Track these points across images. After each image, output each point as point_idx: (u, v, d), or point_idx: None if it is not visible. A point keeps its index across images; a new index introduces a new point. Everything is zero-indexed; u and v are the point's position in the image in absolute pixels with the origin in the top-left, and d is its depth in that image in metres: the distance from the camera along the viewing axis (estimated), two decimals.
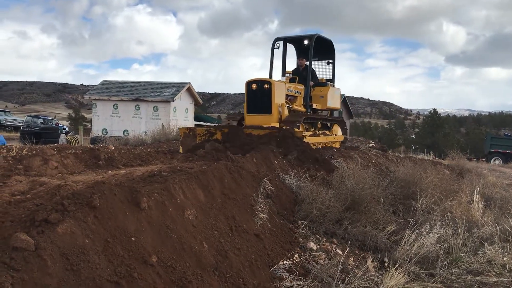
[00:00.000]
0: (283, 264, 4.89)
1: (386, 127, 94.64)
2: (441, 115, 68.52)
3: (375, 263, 5.85)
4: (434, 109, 62.25)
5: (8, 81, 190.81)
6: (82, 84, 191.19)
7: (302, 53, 11.18)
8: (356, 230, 6.32)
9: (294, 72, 10.96)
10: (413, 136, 75.90)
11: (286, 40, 11.30)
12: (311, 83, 10.72)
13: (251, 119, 9.51)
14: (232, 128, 8.68)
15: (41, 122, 34.77)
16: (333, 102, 11.22)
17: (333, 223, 6.34)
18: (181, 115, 31.29)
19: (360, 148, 11.91)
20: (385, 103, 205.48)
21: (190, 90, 33.22)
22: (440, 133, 55.85)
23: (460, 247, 6.35)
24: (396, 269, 4.99)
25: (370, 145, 14.46)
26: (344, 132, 11.69)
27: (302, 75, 10.60)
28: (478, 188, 9.04)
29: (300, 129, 8.92)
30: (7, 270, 2.79)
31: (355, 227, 6.39)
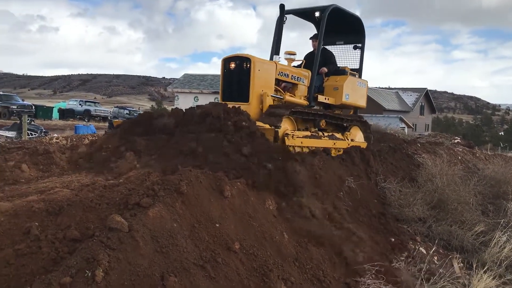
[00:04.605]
0: None
1: (471, 123, 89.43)
2: None
3: (461, 264, 5.59)
4: None
5: (97, 74, 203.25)
6: (164, 77, 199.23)
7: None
8: (441, 228, 6.06)
9: (308, 56, 8.33)
10: (502, 133, 71.11)
11: (295, 13, 8.48)
12: (324, 70, 8.04)
13: None
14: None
15: (127, 113, 36.65)
16: (354, 97, 8.35)
17: (416, 221, 6.13)
18: None
19: (445, 144, 11.33)
20: (470, 97, 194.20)
21: None
22: None
23: None
24: (485, 272, 4.74)
25: (456, 141, 13.72)
26: (367, 137, 8.69)
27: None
28: None
29: (286, 126, 6.67)
30: (104, 249, 2.99)
31: (440, 225, 6.13)
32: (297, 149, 6.35)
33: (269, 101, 6.81)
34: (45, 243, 3.16)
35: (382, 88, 59.53)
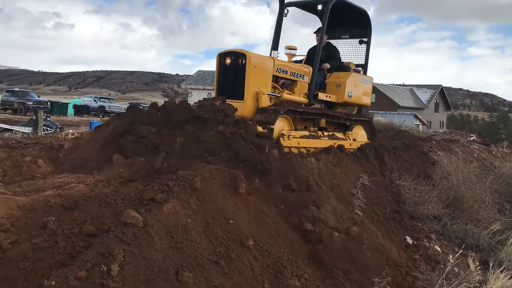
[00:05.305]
0: None
1: (487, 120, 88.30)
2: None
3: (477, 263, 5.53)
4: None
5: (112, 70, 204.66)
6: (177, 74, 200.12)
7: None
8: (456, 227, 6.01)
9: (311, 51, 7.79)
10: None
11: (297, 5, 7.97)
12: (327, 65, 7.53)
13: None
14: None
15: None
16: (358, 94, 7.78)
17: (430, 219, 6.08)
18: None
19: (460, 141, 11.20)
20: (486, 94, 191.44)
21: None
22: None
23: None
24: (501, 271, 4.68)
25: (471, 138, 13.56)
26: (371, 137, 8.16)
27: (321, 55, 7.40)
28: None
29: (281, 126, 6.32)
30: (119, 244, 3.01)
31: (455, 223, 6.07)
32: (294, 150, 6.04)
33: (265, 99, 6.37)
34: (62, 238, 3.20)
35: (397, 85, 59.08)
